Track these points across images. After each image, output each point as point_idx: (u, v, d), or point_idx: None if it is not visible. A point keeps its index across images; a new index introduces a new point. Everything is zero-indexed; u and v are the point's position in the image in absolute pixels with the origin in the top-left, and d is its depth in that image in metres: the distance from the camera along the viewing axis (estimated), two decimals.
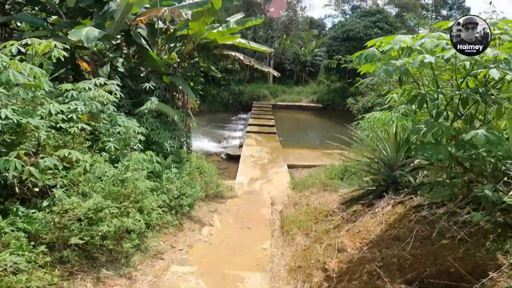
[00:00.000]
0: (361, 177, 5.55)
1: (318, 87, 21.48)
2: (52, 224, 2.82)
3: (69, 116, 3.37)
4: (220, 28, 6.06)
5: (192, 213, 5.24)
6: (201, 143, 12.02)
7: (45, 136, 2.99)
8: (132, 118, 4.86)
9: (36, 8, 6.63)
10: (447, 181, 2.98)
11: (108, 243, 3.14)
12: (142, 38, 5.83)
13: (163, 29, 6.61)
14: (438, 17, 25.40)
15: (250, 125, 13.30)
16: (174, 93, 6.30)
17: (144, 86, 5.22)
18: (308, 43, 24.32)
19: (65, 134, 3.30)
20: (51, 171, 2.96)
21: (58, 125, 3.26)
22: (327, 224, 4.01)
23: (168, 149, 4.75)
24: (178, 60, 6.38)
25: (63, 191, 2.99)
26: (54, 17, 6.21)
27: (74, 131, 3.27)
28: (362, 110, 12.08)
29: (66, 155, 2.95)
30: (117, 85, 5.05)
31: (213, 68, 8.04)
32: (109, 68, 4.61)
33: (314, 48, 24.02)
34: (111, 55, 4.99)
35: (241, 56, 6.79)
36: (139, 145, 3.91)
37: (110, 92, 3.91)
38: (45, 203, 2.92)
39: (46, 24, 5.47)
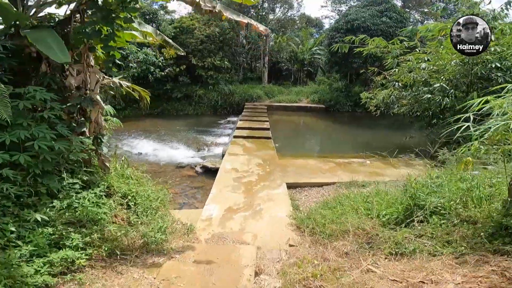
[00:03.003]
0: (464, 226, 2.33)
1: (319, 86, 18.41)
2: None
3: None
4: None
5: None
6: (172, 152, 8.83)
7: None
8: None
9: None
10: None
11: None
12: None
13: None
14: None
15: (238, 128, 10.13)
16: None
17: None
18: (305, 41, 21.37)
19: None
20: None
21: None
22: None
23: None
24: (70, 10, 3.23)
25: None
26: None
27: None
28: (382, 106, 8.95)
29: None
30: None
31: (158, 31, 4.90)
32: None
33: (313, 46, 21.04)
34: None
35: None
36: None
37: None
38: None
39: None
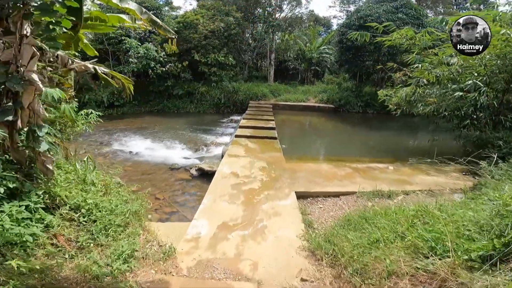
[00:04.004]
0: None
1: (327, 86, 17.37)
2: None
3: None
4: None
5: None
6: (167, 152, 7.88)
7: None
8: None
9: None
10: None
11: None
12: None
13: None
14: (462, 10, 21.41)
15: (241, 127, 9.15)
16: None
17: None
18: (313, 40, 20.35)
19: None
20: None
21: None
22: None
23: None
24: None
25: None
26: None
27: None
28: (405, 104, 7.86)
29: None
30: None
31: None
32: None
33: (321, 45, 20.02)
34: None
35: None
36: None
37: None
38: None
39: None
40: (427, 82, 7.24)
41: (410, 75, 7.87)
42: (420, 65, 7.35)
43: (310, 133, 11.36)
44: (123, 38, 14.69)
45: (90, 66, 4.14)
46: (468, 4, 21.21)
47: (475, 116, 6.64)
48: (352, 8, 30.74)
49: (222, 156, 6.62)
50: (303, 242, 3.18)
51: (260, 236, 3.26)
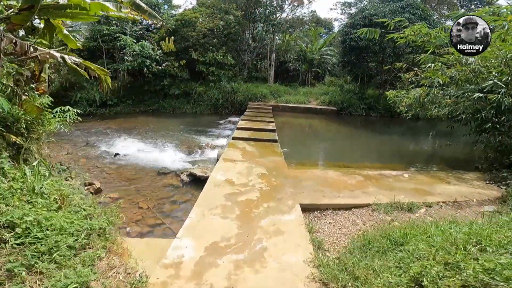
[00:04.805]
0: None
1: (329, 88, 16.79)
2: None
3: None
4: None
5: None
6: (158, 155, 7.21)
7: None
8: None
9: None
10: None
11: None
12: None
13: None
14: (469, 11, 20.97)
15: (239, 129, 8.52)
16: None
17: None
18: (315, 41, 19.83)
19: None
20: None
21: None
22: None
23: None
24: None
25: None
26: None
27: None
28: (417, 105, 7.22)
29: None
30: None
31: None
32: None
33: (322, 46, 19.49)
34: None
35: None
36: None
37: None
38: None
39: None
40: (442, 82, 6.64)
41: (422, 75, 7.29)
42: (432, 65, 6.77)
43: (312, 137, 10.71)
44: (118, 35, 14.10)
45: (57, 54, 3.51)
46: (473, 6, 20.78)
47: (496, 119, 6.02)
48: (353, 10, 30.37)
49: (217, 160, 5.96)
50: (312, 270, 2.53)
51: (258, 262, 2.60)
